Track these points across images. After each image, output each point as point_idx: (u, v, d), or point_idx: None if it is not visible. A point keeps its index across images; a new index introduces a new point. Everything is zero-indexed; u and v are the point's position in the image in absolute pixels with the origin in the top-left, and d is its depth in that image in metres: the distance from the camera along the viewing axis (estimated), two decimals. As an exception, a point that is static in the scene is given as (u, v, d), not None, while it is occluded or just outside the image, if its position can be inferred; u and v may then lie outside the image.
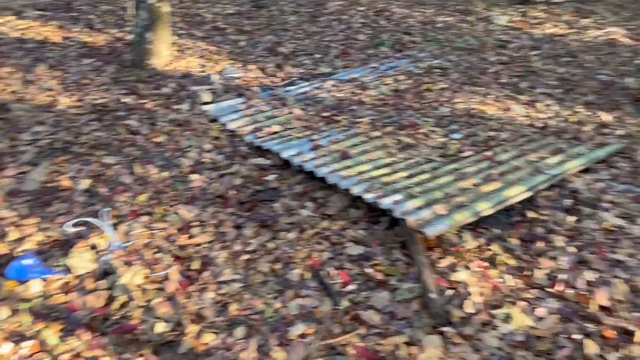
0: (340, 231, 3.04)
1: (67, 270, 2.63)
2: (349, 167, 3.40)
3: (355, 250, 2.89)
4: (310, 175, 3.48)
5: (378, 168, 3.36)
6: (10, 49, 5.14)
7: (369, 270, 2.73)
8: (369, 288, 2.66)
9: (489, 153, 3.54)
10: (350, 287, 2.66)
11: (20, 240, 2.82)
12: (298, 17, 6.58)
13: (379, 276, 2.71)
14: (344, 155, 3.52)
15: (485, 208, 2.90)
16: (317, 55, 5.49)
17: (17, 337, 2.30)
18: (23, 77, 4.57)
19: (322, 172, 3.32)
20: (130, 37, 5.54)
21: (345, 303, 2.56)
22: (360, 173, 3.31)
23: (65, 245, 2.82)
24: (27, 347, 2.26)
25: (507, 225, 3.06)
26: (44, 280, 2.55)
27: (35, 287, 2.50)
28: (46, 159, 3.51)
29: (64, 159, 3.54)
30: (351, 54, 5.56)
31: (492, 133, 3.87)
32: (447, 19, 6.94)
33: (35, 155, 3.56)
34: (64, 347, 2.26)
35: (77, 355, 2.24)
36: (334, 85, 4.71)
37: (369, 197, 3.02)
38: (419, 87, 4.75)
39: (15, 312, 2.41)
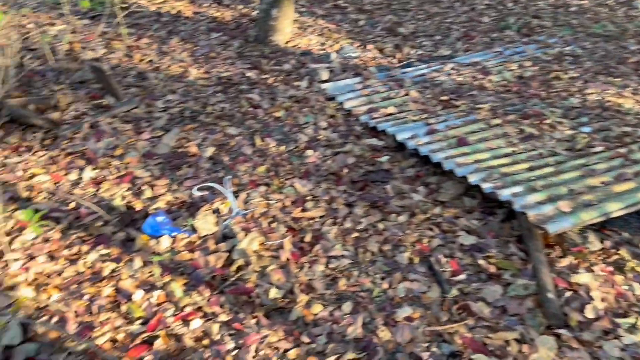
0: (452, 219, 2.98)
1: (193, 230, 2.84)
2: (465, 154, 3.31)
3: (467, 240, 2.83)
4: (424, 160, 3.43)
5: (497, 157, 3.23)
6: (148, 21, 5.56)
7: (482, 262, 2.67)
8: (480, 280, 2.60)
9: (622, 150, 3.26)
10: (460, 277, 2.61)
11: (153, 198, 3.09)
12: (420, -4, 6.43)
13: (492, 269, 2.64)
14: (461, 142, 3.43)
15: (616, 209, 2.69)
16: (438, 37, 5.35)
17: (148, 287, 2.54)
18: (159, 48, 4.93)
19: (437, 157, 3.26)
20: (255, 13, 5.75)
21: (454, 292, 2.52)
22: (478, 161, 3.21)
23: (192, 207, 3.04)
24: (155, 296, 2.48)
25: (638, 229, 2.82)
26: (173, 237, 2.77)
27: (165, 242, 2.73)
28: (177, 126, 3.78)
29: (192, 127, 3.79)
30: (474, 37, 5.35)
31: (627, 129, 3.56)
32: (582, 2, 6.42)
33: (167, 121, 3.85)
34: (187, 300, 2.46)
35: (199, 309, 2.43)
36: (453, 69, 4.57)
37: (486, 186, 2.93)
38: (547, 75, 4.47)
39: (146, 263, 2.66)
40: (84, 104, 3.91)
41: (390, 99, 4.12)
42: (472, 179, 3.01)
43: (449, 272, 2.65)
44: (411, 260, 2.73)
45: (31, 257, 2.62)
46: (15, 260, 2.59)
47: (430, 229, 2.93)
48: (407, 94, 4.16)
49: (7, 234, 2.72)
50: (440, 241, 2.84)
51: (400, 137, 3.53)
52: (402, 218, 3.00)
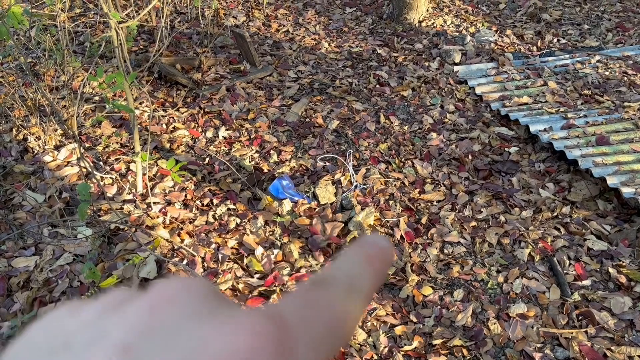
0: (582, 221, 2.80)
1: (313, 197, 2.95)
2: (605, 154, 3.07)
3: (597, 245, 2.64)
4: (557, 155, 3.24)
5: (643, 161, 2.96)
6: (286, -7, 5.73)
7: (612, 270, 2.49)
8: (607, 288, 2.43)
9: None
10: (585, 282, 2.46)
11: (278, 163, 3.24)
12: (570, -19, 5.96)
13: (622, 279, 2.45)
14: (602, 140, 3.18)
15: None
16: (586, 26, 4.94)
17: (268, 244, 2.69)
18: (294, 19, 5.08)
19: (573, 154, 3.06)
20: (391, -10, 5.69)
21: (575, 296, 2.39)
22: (619, 163, 2.96)
23: (313, 175, 3.15)
24: (274, 254, 2.63)
25: None
26: (294, 202, 2.90)
27: (287, 205, 2.86)
28: (305, 96, 3.90)
29: (320, 99, 3.89)
30: (628, 29, 4.87)
31: None
32: None
33: (297, 91, 3.98)
34: (303, 262, 2.57)
35: (313, 272, 2.53)
36: (600, 61, 4.21)
37: (627, 191, 2.70)
38: None
39: (268, 223, 2.81)
40: (222, 68, 4.16)
41: (525, 87, 3.91)
42: (611, 181, 2.79)
43: (572, 275, 2.51)
44: (532, 258, 2.62)
45: (169, 203, 2.88)
46: (155, 203, 2.86)
47: (556, 229, 2.77)
48: (544, 84, 3.92)
49: (151, 180, 3.01)
50: (566, 242, 2.68)
51: (533, 128, 3.35)
52: (526, 213, 2.87)
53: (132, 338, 0.19)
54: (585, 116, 3.48)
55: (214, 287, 0.22)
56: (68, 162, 3.10)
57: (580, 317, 2.30)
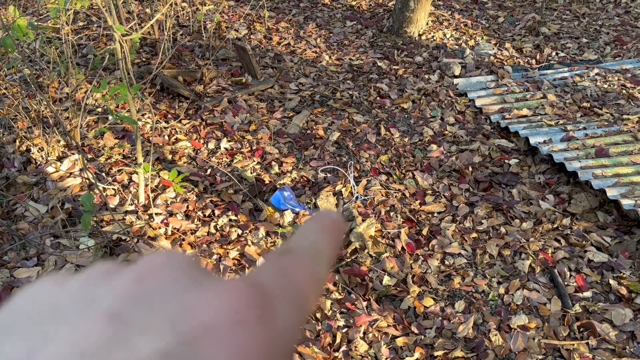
0: (582, 233, 2.81)
1: (314, 208, 2.96)
2: (605, 166, 3.09)
3: (597, 256, 2.65)
4: (557, 167, 3.26)
5: (642, 174, 2.98)
6: (288, 6, 5.79)
7: (612, 282, 2.49)
8: (608, 300, 2.44)
9: None
10: (586, 294, 2.47)
11: (280, 174, 3.25)
12: (568, -5, 6.03)
13: (623, 290, 2.46)
14: (601, 153, 3.20)
15: None
16: (584, 40, 4.99)
17: (269, 255, 2.69)
18: (296, 32, 5.13)
19: (572, 166, 3.08)
20: (391, 3, 5.76)
21: (577, 308, 2.39)
22: (618, 175, 2.98)
23: (314, 186, 3.17)
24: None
25: None
26: (296, 213, 2.91)
27: (288, 217, 2.87)
28: (307, 108, 3.93)
29: (321, 111, 3.92)
30: (626, 43, 4.92)
31: None
32: None
33: (298, 103, 4.01)
34: (304, 274, 2.58)
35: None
36: (599, 74, 4.25)
37: (626, 202, 2.72)
38: None
39: (269, 234, 2.82)
40: (224, 80, 4.19)
41: (525, 100, 3.94)
42: (611, 193, 2.81)
43: (573, 286, 2.51)
44: (532, 269, 2.63)
45: (171, 214, 2.89)
46: (157, 214, 2.87)
47: (557, 240, 2.78)
48: (544, 97, 3.95)
49: (153, 191, 3.02)
50: (567, 254, 2.69)
51: (533, 140, 3.37)
52: (526, 225, 2.89)
53: (120, 305, 0.20)
54: (584, 128, 3.51)
55: (198, 260, 0.23)
56: (71, 173, 3.12)
57: (581, 329, 2.30)
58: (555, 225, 2.87)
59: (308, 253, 0.26)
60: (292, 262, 0.25)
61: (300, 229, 0.28)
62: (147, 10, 5.04)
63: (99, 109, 3.70)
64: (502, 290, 2.52)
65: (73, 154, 3.24)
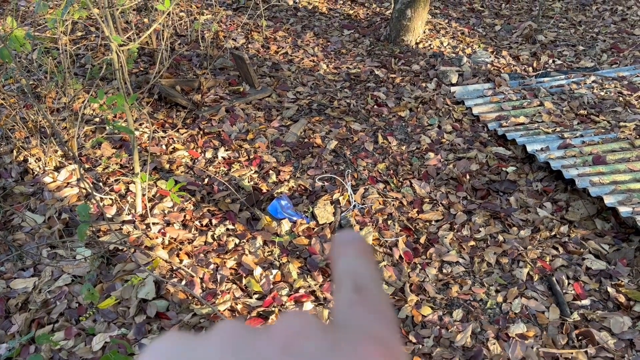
0: (580, 240, 2.81)
1: (312, 217, 2.96)
2: (602, 173, 3.09)
3: (595, 264, 2.65)
4: (554, 175, 3.26)
5: (639, 180, 2.98)
6: (285, 15, 5.81)
7: (610, 290, 2.49)
8: (606, 308, 2.43)
9: None
10: (584, 302, 2.46)
11: (277, 183, 3.25)
12: (564, 4, 6.06)
13: (621, 298, 2.45)
14: (598, 160, 3.20)
15: None
16: (581, 47, 5.01)
17: (267, 265, 2.69)
18: (293, 41, 5.15)
19: (570, 173, 3.08)
20: (388, 12, 5.78)
21: (575, 316, 2.38)
22: (616, 182, 2.98)
23: (312, 195, 3.16)
24: (273, 274, 2.62)
25: None
26: (293, 222, 2.91)
27: (285, 226, 2.87)
28: (304, 117, 3.94)
29: (318, 119, 3.93)
30: (622, 50, 4.94)
31: None
32: None
33: (295, 112, 4.02)
34: (301, 283, 2.57)
35: (311, 292, 2.53)
36: (595, 82, 4.26)
37: (624, 210, 2.72)
38: None
39: (267, 243, 2.81)
40: (222, 89, 4.20)
41: (522, 108, 3.95)
42: (608, 200, 2.81)
43: (571, 294, 2.51)
44: (530, 277, 2.62)
45: (168, 223, 2.89)
46: (155, 224, 2.87)
47: (555, 248, 2.78)
48: (541, 105, 3.96)
49: (150, 200, 3.02)
50: (565, 262, 2.69)
51: (530, 148, 3.38)
52: (524, 232, 2.88)
53: None
54: (581, 136, 3.51)
55: (330, 323, 0.24)
56: (68, 183, 3.11)
57: (580, 337, 2.29)
58: (553, 233, 2.86)
59: (373, 284, 0.27)
60: (371, 300, 0.26)
61: (341, 260, 0.28)
62: (145, 20, 5.06)
63: (97, 119, 3.70)
64: (500, 299, 2.51)
65: (70, 164, 3.23)
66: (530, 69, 4.63)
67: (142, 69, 4.39)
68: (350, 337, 0.22)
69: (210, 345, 0.22)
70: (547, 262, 2.69)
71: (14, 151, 3.27)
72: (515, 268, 2.67)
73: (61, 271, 2.56)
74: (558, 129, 3.62)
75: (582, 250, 2.75)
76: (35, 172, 3.17)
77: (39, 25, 4.63)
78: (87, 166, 3.26)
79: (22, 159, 3.25)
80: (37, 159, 3.24)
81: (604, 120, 3.69)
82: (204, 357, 0.22)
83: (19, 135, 3.38)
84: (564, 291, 2.51)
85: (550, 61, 4.74)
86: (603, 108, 3.86)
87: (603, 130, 3.54)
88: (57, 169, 3.22)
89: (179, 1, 5.30)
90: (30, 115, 3.38)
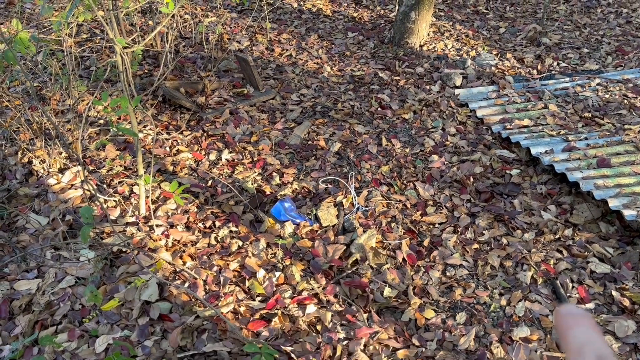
0: (584, 244, 2.79)
1: (315, 219, 2.96)
2: (606, 176, 3.07)
3: (600, 268, 2.63)
4: (558, 178, 3.25)
5: (644, 184, 2.97)
6: (289, 18, 5.82)
7: (615, 294, 2.47)
8: (610, 312, 2.41)
9: None
10: (588, 305, 2.45)
11: (281, 185, 3.25)
12: (569, 6, 6.05)
13: (626, 302, 2.43)
14: (603, 163, 3.19)
15: None
16: (585, 50, 5.00)
17: (270, 267, 2.69)
18: (297, 43, 5.15)
19: (574, 176, 3.07)
20: (392, 15, 5.78)
21: (579, 320, 2.37)
22: (620, 185, 2.97)
23: (315, 197, 3.16)
24: (276, 276, 2.62)
25: None
26: (296, 224, 2.90)
27: (289, 228, 2.86)
28: (308, 119, 3.94)
29: (322, 122, 3.93)
30: (627, 53, 4.92)
31: None
32: None
33: (299, 114, 4.02)
34: (304, 285, 2.57)
35: (314, 295, 2.53)
36: (600, 85, 4.25)
37: (628, 213, 2.70)
38: None
39: (270, 245, 2.81)
40: (226, 91, 4.21)
41: (526, 110, 3.94)
42: (613, 203, 2.80)
43: (575, 298, 2.49)
44: (534, 280, 2.61)
45: (171, 225, 2.89)
46: (158, 226, 2.87)
47: (559, 251, 2.77)
48: (545, 107, 3.95)
49: (154, 202, 3.02)
50: (569, 265, 2.68)
51: (534, 151, 3.36)
52: (528, 235, 2.87)
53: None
54: (586, 139, 3.50)
55: None
56: (72, 185, 3.12)
57: (584, 341, 2.28)
58: (557, 236, 2.85)
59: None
60: None
61: (577, 334, 0.31)
62: (150, 22, 5.07)
63: (101, 121, 3.71)
64: (503, 302, 2.50)
65: (74, 165, 3.25)
66: (535, 71, 4.62)
67: (146, 71, 4.40)
68: None
69: None
70: (551, 265, 2.68)
71: (19, 153, 3.28)
72: (519, 271, 2.66)
73: (65, 273, 2.57)
74: (562, 132, 3.61)
75: (586, 253, 2.73)
76: (40, 174, 3.18)
77: (44, 27, 4.65)
78: (91, 168, 3.27)
79: (26, 160, 3.27)
80: (41, 160, 3.25)
81: (608, 123, 3.68)
82: None
83: (24, 137, 3.39)
84: (568, 294, 2.50)
85: (555, 64, 4.73)
86: (608, 111, 3.85)
87: (608, 133, 3.53)
88: (62, 170, 3.23)
89: (183, 4, 5.32)
90: (35, 117, 3.39)
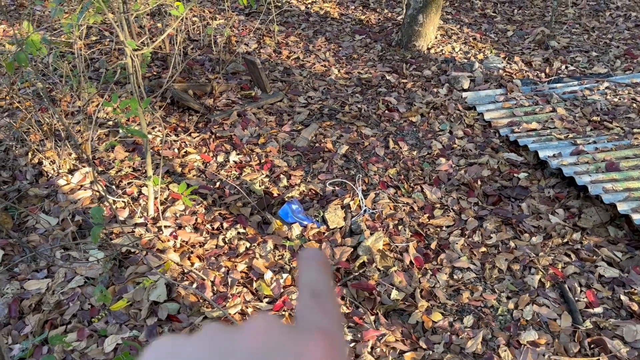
0: (593, 248, 2.79)
1: (322, 221, 2.96)
2: (615, 180, 3.06)
3: (608, 272, 2.62)
4: (566, 181, 3.24)
5: (653, 188, 2.95)
6: (297, 20, 5.84)
7: (624, 298, 2.46)
8: (619, 316, 2.40)
9: None
10: (597, 310, 2.44)
11: (288, 187, 3.26)
12: (578, 9, 6.03)
13: (634, 306, 2.42)
14: (611, 167, 3.18)
15: None
16: (594, 53, 4.98)
17: (277, 269, 2.70)
18: (305, 46, 5.17)
19: (582, 180, 3.06)
20: (399, 17, 5.79)
21: (587, 324, 2.36)
22: (629, 189, 2.96)
23: (323, 199, 3.17)
24: (283, 278, 2.63)
25: None
26: (303, 226, 2.91)
27: (296, 230, 2.87)
28: (315, 122, 3.95)
29: (329, 124, 3.94)
30: (636, 56, 4.90)
31: None
32: None
33: (307, 117, 4.03)
34: (312, 287, 2.57)
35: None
36: (609, 88, 4.23)
37: (637, 217, 2.69)
38: None
39: (277, 247, 2.82)
40: (234, 94, 4.23)
41: (534, 114, 3.93)
42: (622, 207, 2.79)
43: (583, 302, 2.49)
44: (542, 284, 2.60)
45: (180, 227, 2.90)
46: (166, 227, 2.89)
47: (567, 255, 2.76)
48: (553, 111, 3.94)
49: (162, 203, 3.04)
50: (577, 269, 2.67)
51: (542, 154, 3.36)
52: (536, 239, 2.87)
53: (250, 358, 0.26)
54: (594, 142, 3.49)
55: (281, 320, 0.29)
56: (81, 186, 3.15)
57: (592, 345, 2.27)
58: (565, 240, 2.84)
59: (327, 291, 0.32)
60: (324, 304, 0.31)
61: (303, 273, 0.34)
62: (159, 24, 5.11)
63: (110, 122, 3.74)
64: (511, 306, 2.49)
65: (84, 166, 3.27)
66: (543, 74, 4.61)
67: (155, 73, 4.43)
68: (304, 332, 0.28)
69: (195, 344, 0.28)
70: (559, 269, 2.67)
71: (29, 154, 3.31)
72: (527, 275, 2.66)
73: (74, 273, 2.59)
74: (571, 135, 3.60)
75: (594, 257, 2.72)
76: (50, 175, 3.21)
77: (55, 29, 4.69)
78: (100, 169, 3.30)
79: (36, 161, 3.30)
80: (51, 161, 3.28)
81: (617, 126, 3.66)
82: (189, 354, 0.27)
83: (34, 138, 3.42)
84: (576, 299, 2.49)
85: (563, 67, 4.71)
86: (616, 114, 3.84)
87: (616, 137, 3.52)
88: (71, 171, 3.25)
89: (192, 6, 5.35)
90: (45, 119, 3.42)
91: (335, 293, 0.34)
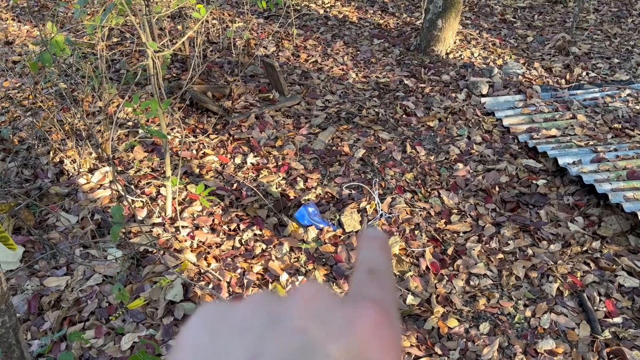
0: (613, 256, 2.75)
1: (338, 225, 2.96)
2: (636, 188, 3.02)
3: (628, 281, 2.59)
4: (586, 189, 3.20)
5: (676, 197, 2.90)
6: (316, 24, 5.86)
7: (644, 308, 2.42)
8: (639, 327, 2.36)
9: None
10: (616, 320, 2.40)
11: (305, 190, 3.27)
12: (599, 15, 5.96)
13: (655, 318, 2.38)
14: (633, 175, 3.13)
15: None
16: (616, 60, 4.92)
17: (293, 271, 2.70)
18: (323, 50, 5.18)
19: (603, 188, 3.02)
20: (418, 22, 5.78)
21: (606, 334, 2.33)
22: (651, 198, 2.91)
23: (339, 203, 3.17)
24: (299, 280, 2.64)
25: None
26: (320, 229, 2.92)
27: (312, 232, 2.88)
28: (332, 125, 3.95)
29: (346, 128, 3.94)
30: (659, 63, 4.83)
31: None
32: None
33: (324, 120, 4.04)
34: (327, 291, 2.57)
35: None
36: (631, 95, 4.17)
37: (659, 227, 2.65)
38: None
39: (293, 249, 2.83)
40: (252, 96, 4.26)
41: (554, 120, 3.89)
42: (643, 216, 2.74)
43: (602, 312, 2.45)
44: (560, 292, 2.57)
45: (197, 227, 2.93)
46: (184, 227, 2.91)
47: (586, 264, 2.73)
48: (573, 117, 3.90)
49: (180, 204, 3.07)
50: (596, 278, 2.63)
51: (562, 161, 3.32)
52: (554, 247, 2.83)
53: (302, 322, 0.25)
54: (615, 150, 3.44)
55: (331, 289, 0.29)
56: (101, 185, 3.19)
57: (611, 356, 2.24)
58: (584, 248, 2.81)
59: (383, 269, 0.32)
60: (379, 279, 0.31)
61: (363, 250, 0.33)
62: (179, 27, 5.16)
63: (130, 123, 3.79)
64: (528, 313, 2.47)
65: (104, 166, 3.31)
66: (563, 81, 4.56)
67: (174, 74, 4.47)
68: (356, 302, 0.28)
69: (241, 310, 0.27)
70: (578, 278, 2.64)
71: (51, 152, 3.37)
72: (545, 283, 2.63)
73: (93, 271, 2.62)
74: (591, 143, 3.56)
75: (614, 266, 2.69)
76: (70, 174, 3.25)
77: (77, 31, 4.77)
78: (119, 169, 3.34)
79: (58, 160, 3.35)
80: (72, 160, 3.33)
81: (639, 134, 3.61)
82: (236, 319, 0.27)
83: (56, 137, 3.48)
84: (595, 308, 2.46)
85: (584, 73, 4.66)
86: (638, 122, 3.78)
87: (638, 145, 3.47)
88: (91, 170, 3.30)
89: (212, 9, 5.40)
90: (67, 118, 3.48)
91: (392, 272, 0.34)
